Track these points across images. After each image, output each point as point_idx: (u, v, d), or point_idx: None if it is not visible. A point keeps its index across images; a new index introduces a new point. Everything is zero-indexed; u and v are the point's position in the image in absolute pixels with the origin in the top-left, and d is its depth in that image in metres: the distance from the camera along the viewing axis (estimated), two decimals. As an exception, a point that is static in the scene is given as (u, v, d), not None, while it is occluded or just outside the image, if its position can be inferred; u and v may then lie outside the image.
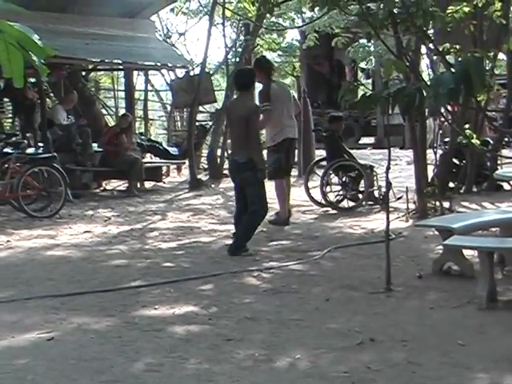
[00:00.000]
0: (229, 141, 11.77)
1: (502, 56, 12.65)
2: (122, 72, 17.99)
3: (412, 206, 9.86)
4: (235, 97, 9.95)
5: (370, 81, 23.66)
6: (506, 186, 11.93)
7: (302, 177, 12.78)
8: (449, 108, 9.92)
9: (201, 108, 18.34)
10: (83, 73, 17.65)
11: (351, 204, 10.82)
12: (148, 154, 15.82)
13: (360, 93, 6.65)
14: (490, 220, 7.34)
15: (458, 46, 8.23)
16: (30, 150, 12.11)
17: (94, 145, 13.37)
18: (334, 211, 10.62)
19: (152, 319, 5.45)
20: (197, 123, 16.38)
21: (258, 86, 9.48)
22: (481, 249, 5.87)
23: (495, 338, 4.87)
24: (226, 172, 13.07)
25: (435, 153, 11.08)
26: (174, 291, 6.26)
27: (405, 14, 7.72)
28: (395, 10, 7.95)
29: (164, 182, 14.59)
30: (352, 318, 5.39)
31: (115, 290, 6.31)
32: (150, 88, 23.94)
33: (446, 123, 12.48)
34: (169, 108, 22.32)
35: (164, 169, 15.32)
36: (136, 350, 4.74)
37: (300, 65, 23.38)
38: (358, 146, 20.66)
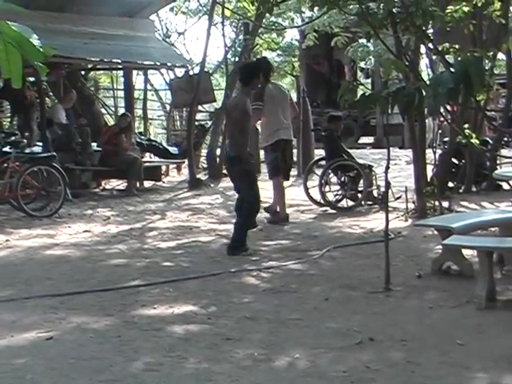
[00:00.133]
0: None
1: (501, 56, 12.64)
2: (122, 71, 17.98)
3: (411, 206, 9.86)
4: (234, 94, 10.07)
5: (369, 80, 23.68)
6: (505, 186, 11.93)
7: (301, 176, 12.79)
8: (448, 108, 9.93)
9: (200, 107, 18.34)
10: (82, 72, 17.63)
11: (350, 204, 10.81)
12: (147, 154, 15.83)
13: (359, 92, 6.65)
14: (489, 220, 7.35)
15: (457, 46, 8.25)
16: (29, 150, 12.11)
17: (94, 144, 13.37)
18: (333, 211, 10.63)
19: (151, 318, 5.45)
20: (196, 123, 16.38)
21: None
22: (480, 248, 5.87)
23: (494, 338, 4.87)
24: (225, 171, 13.06)
25: (434, 152, 11.08)
26: (173, 290, 6.26)
27: (404, 13, 7.73)
28: (394, 10, 7.97)
29: (163, 182, 14.59)
30: (351, 317, 5.39)
31: (114, 290, 6.31)
32: (149, 87, 23.92)
33: (445, 123, 12.48)
34: (168, 107, 22.30)
35: (163, 168, 15.31)
36: (135, 349, 4.75)
37: (299, 64, 23.37)
38: (357, 146, 20.67)
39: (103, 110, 19.72)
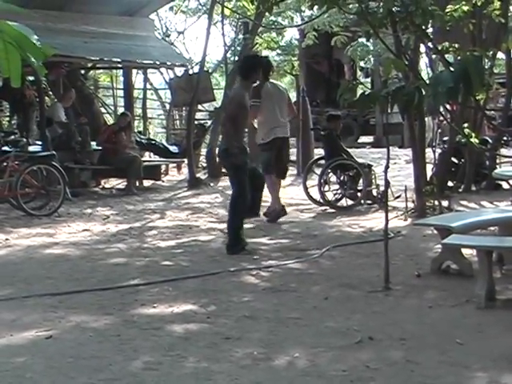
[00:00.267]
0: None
1: (500, 55, 12.64)
2: (121, 70, 17.99)
3: (411, 205, 9.86)
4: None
5: (368, 80, 23.67)
6: (504, 185, 11.93)
7: (301, 176, 12.78)
8: (448, 107, 9.92)
9: (200, 107, 18.33)
10: (82, 71, 17.64)
11: (350, 203, 10.81)
12: (147, 153, 15.83)
13: (359, 92, 6.65)
14: (488, 219, 7.35)
15: (457, 45, 8.24)
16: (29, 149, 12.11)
17: (93, 143, 13.36)
18: (333, 210, 10.63)
19: (151, 318, 5.45)
20: (196, 122, 16.38)
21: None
22: (479, 248, 5.87)
23: (494, 337, 4.87)
24: (224, 170, 13.06)
25: (434, 152, 11.09)
26: (173, 290, 6.26)
27: (404, 12, 7.72)
28: (394, 9, 7.95)
29: (163, 181, 14.58)
30: (350, 316, 5.39)
31: (114, 289, 6.31)
32: (148, 86, 23.94)
33: (444, 122, 12.47)
34: (168, 107, 22.30)
35: (163, 167, 15.32)
36: (134, 348, 4.75)
37: (299, 63, 23.38)
38: (356, 145, 20.67)
39: (103, 109, 19.72)
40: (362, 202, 10.74)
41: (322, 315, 5.44)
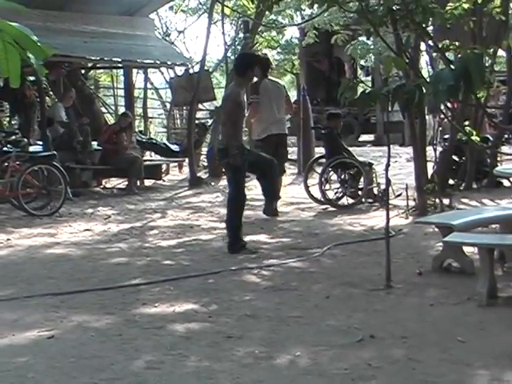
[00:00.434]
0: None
1: (501, 53, 12.64)
2: (122, 70, 17.98)
3: (412, 203, 9.86)
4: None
5: (369, 78, 23.67)
6: (505, 183, 11.94)
7: (302, 174, 12.78)
8: (448, 105, 9.92)
9: (200, 106, 18.34)
10: (82, 71, 17.63)
11: (350, 201, 10.81)
12: (148, 152, 15.83)
13: (359, 90, 6.63)
14: (489, 217, 7.35)
15: (457, 43, 8.25)
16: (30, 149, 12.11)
17: (94, 143, 13.37)
18: (334, 209, 10.62)
19: (152, 317, 5.45)
20: (196, 121, 16.38)
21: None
22: (481, 245, 5.87)
23: (495, 335, 4.87)
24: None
25: (435, 150, 11.08)
26: (174, 289, 6.26)
27: (404, 10, 7.72)
28: (394, 7, 7.95)
29: (164, 180, 14.59)
30: (352, 315, 5.39)
31: (115, 288, 6.31)
32: (149, 86, 23.90)
33: (445, 120, 12.49)
34: (168, 106, 22.30)
35: (164, 167, 15.32)
36: (136, 347, 4.75)
37: (299, 62, 23.34)
38: (357, 144, 20.67)
39: (103, 109, 19.72)
40: (363, 200, 10.74)
41: (324, 314, 5.44)
